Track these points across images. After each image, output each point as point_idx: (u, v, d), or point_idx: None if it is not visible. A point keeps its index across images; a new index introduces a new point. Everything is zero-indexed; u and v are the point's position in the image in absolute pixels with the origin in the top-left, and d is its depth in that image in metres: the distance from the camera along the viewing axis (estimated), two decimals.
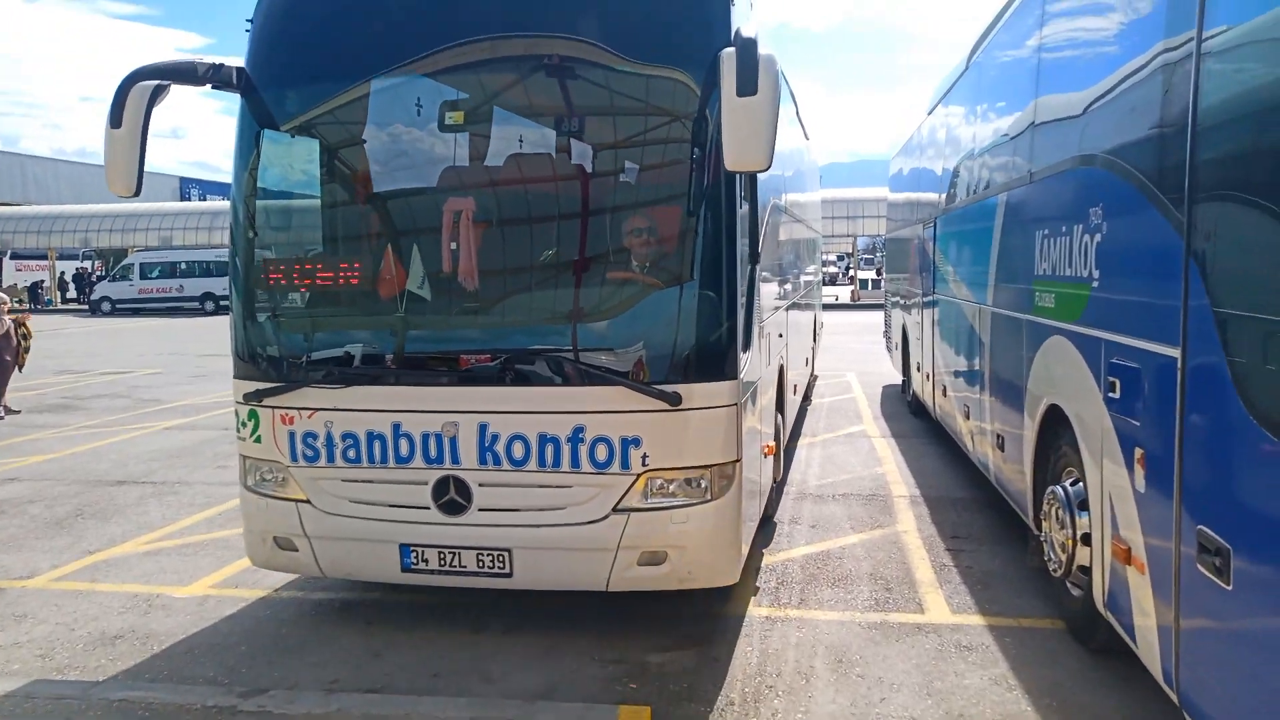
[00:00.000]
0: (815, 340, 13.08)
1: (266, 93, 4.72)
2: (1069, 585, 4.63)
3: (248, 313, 4.81)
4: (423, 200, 4.86)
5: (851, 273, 47.65)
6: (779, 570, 5.71)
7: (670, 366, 4.28)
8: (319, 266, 4.96)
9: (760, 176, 4.89)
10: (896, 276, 13.24)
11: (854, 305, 37.45)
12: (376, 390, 4.51)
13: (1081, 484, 4.44)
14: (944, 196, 8.60)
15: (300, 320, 4.90)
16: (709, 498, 4.34)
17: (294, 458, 4.61)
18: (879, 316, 16.35)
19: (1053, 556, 4.76)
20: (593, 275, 4.59)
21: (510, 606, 5.11)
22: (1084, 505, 4.40)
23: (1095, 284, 4.04)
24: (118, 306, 37.92)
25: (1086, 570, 4.34)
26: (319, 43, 4.78)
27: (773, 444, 5.99)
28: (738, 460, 4.43)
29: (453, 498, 4.41)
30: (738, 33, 3.90)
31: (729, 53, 3.81)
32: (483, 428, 4.34)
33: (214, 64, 4.61)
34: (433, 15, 4.63)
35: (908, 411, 11.43)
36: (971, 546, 6.11)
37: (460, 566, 4.47)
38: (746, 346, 4.57)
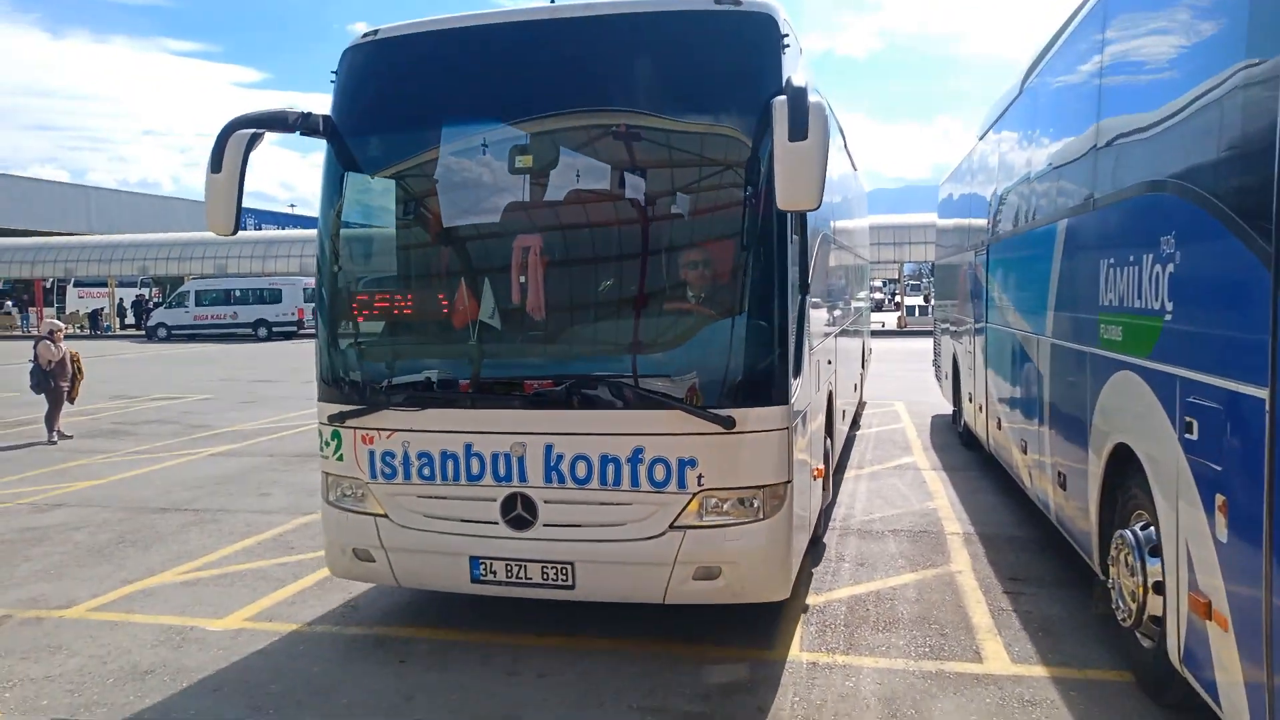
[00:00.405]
0: (864, 367, 13.15)
1: (349, 139, 5.07)
2: (1139, 636, 4.33)
3: (332, 340, 5.14)
4: (493, 238, 5.12)
5: (898, 299, 47.04)
6: (826, 611, 5.46)
7: (724, 392, 4.48)
8: (398, 298, 5.36)
9: None
10: (947, 304, 12.92)
11: (901, 331, 36.88)
12: (450, 413, 4.77)
13: (1153, 529, 4.17)
14: (997, 223, 8.34)
15: (381, 348, 5.27)
16: (761, 517, 4.51)
17: (373, 475, 4.89)
18: (926, 343, 15.99)
19: (1121, 604, 4.47)
20: (652, 307, 4.82)
21: (546, 649, 4.94)
22: (1156, 551, 4.12)
23: (1168, 317, 3.79)
24: (173, 333, 38.69)
25: (1159, 621, 4.05)
26: (396, 94, 5.14)
27: (822, 467, 6.13)
28: (789, 481, 4.61)
29: (520, 514, 4.65)
30: (789, 81, 4.16)
31: (781, 101, 4.05)
32: (548, 448, 4.58)
33: (303, 113, 4.98)
34: (502, 73, 4.93)
35: (959, 443, 11.08)
36: (1031, 589, 5.80)
37: (526, 578, 4.69)
38: (797, 373, 4.77)
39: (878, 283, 54.75)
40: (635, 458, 4.48)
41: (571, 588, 4.63)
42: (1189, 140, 3.66)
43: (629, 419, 4.51)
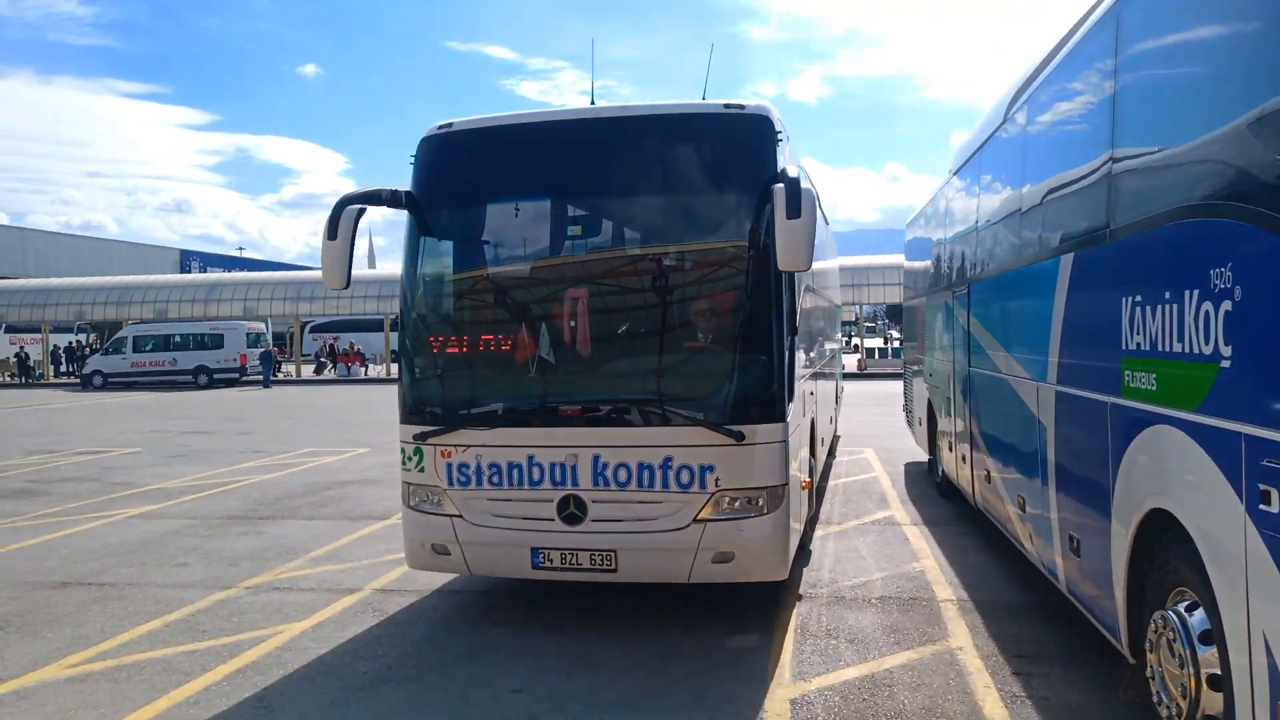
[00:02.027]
0: (837, 402, 14.40)
1: (427, 211, 6.18)
2: None
3: (414, 375, 6.25)
4: (548, 290, 6.28)
5: (855, 341, 46.91)
6: (817, 704, 4.76)
7: (735, 412, 5.58)
8: (469, 340, 6.29)
9: None
10: (919, 347, 12.42)
11: (861, 374, 36.62)
12: (516, 431, 5.83)
13: (1202, 610, 3.55)
14: (980, 260, 7.83)
15: (456, 380, 6.22)
16: (765, 512, 5.59)
17: (450, 483, 5.91)
18: (889, 386, 15.58)
19: (1164, 698, 3.85)
20: (676, 345, 5.96)
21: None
22: (1209, 639, 3.51)
23: (1226, 363, 3.21)
24: (110, 380, 37.14)
25: None
26: (465, 175, 6.27)
27: (809, 480, 7.26)
28: (786, 484, 5.69)
29: (572, 511, 5.68)
30: (784, 171, 5.39)
31: (779, 187, 5.16)
32: (596, 458, 5.65)
33: (394, 191, 6.13)
34: (552, 160, 6.17)
35: (937, 494, 10.50)
36: (1043, 669, 5.15)
37: (577, 564, 5.70)
38: (790, 399, 5.89)
39: None
40: (665, 465, 5.58)
41: (615, 571, 5.67)
42: (1251, 153, 3.09)
43: (660, 434, 5.62)
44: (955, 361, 8.98)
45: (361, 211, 5.91)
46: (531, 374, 6.03)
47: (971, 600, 6.48)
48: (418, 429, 5.97)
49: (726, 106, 5.87)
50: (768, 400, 5.64)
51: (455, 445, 5.86)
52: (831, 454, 13.29)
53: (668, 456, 5.54)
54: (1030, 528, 6.16)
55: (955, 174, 9.39)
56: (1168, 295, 3.69)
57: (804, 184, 5.15)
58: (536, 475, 5.70)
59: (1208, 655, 3.52)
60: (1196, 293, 3.42)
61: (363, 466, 13.92)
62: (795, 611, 6.28)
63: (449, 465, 5.87)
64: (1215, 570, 3.33)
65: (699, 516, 5.52)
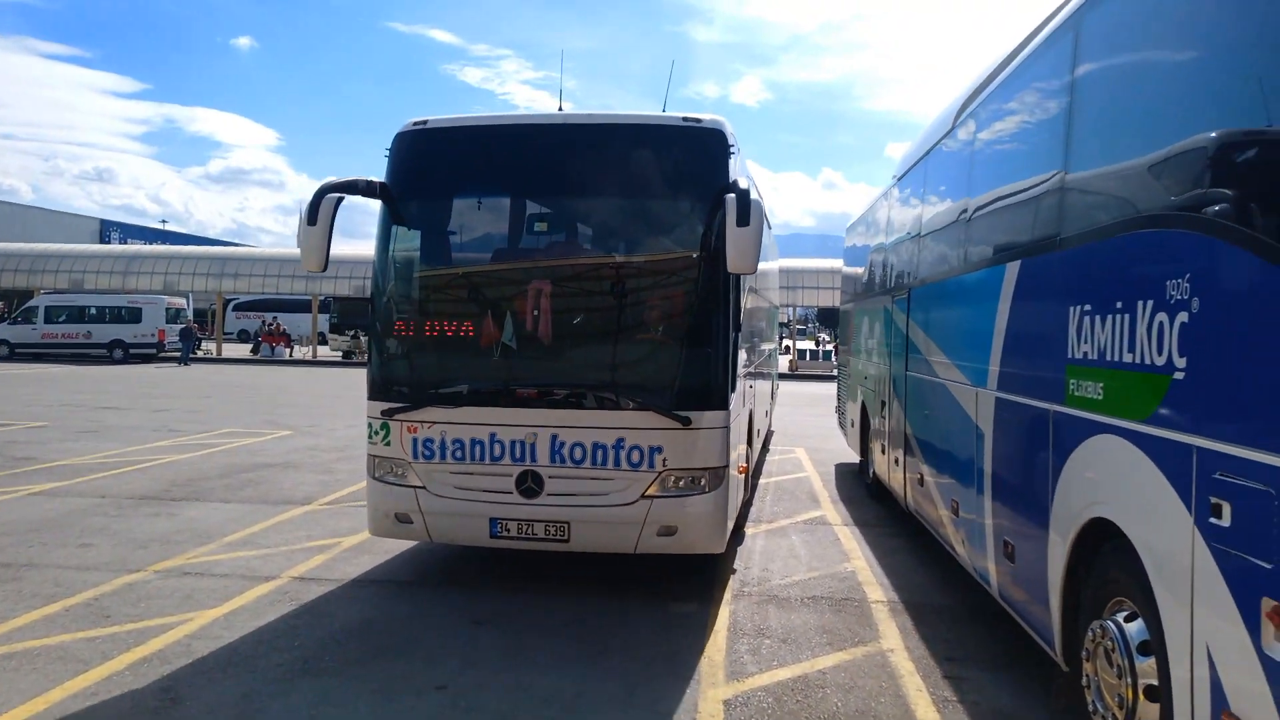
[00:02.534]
0: (773, 399, 15.17)
1: (399, 202, 6.54)
2: None
3: (383, 355, 6.62)
4: (514, 281, 6.66)
5: (787, 343, 47.38)
6: (749, 704, 4.68)
7: (683, 399, 6.06)
8: (437, 324, 6.60)
9: None
10: (855, 351, 12.50)
11: (793, 375, 37.00)
12: (480, 410, 6.21)
13: (1142, 621, 3.56)
14: (920, 266, 7.86)
15: (423, 361, 6.61)
16: (706, 490, 6.10)
17: (415, 456, 6.27)
18: (819, 388, 15.73)
19: (1099, 707, 3.85)
20: (631, 336, 6.44)
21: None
22: (1148, 649, 3.52)
23: (1180, 373, 3.20)
24: (16, 351, 35.43)
25: None
26: (436, 170, 6.68)
27: (745, 465, 7.93)
28: (726, 466, 6.24)
29: (530, 486, 6.10)
30: (735, 182, 5.88)
31: (731, 196, 5.65)
32: (554, 437, 6.07)
33: (369, 181, 6.45)
34: (521, 160, 6.66)
35: (868, 495, 10.58)
36: (974, 672, 5.16)
37: (532, 535, 6.11)
38: (733, 389, 6.42)
39: None
40: (618, 445, 6.03)
41: (567, 541, 6.10)
42: (1213, 163, 3.08)
43: (613, 417, 6.07)
44: (892, 366, 9.03)
45: (340, 199, 6.20)
46: (496, 358, 6.39)
47: (902, 602, 6.49)
48: (385, 405, 6.34)
49: (685, 119, 6.41)
50: (712, 389, 6.17)
51: (421, 421, 6.25)
52: (766, 448, 14.07)
53: (620, 438, 6.02)
54: (963, 532, 6.19)
55: (898, 180, 9.44)
56: (1119, 305, 3.69)
57: (753, 195, 5.66)
58: (498, 451, 6.13)
59: (1145, 666, 3.52)
60: (1150, 303, 3.41)
61: (283, 450, 13.47)
62: (729, 609, 6.21)
63: (414, 440, 6.26)
64: (1159, 582, 3.33)
65: (646, 493, 6.02)
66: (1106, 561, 3.89)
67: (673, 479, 6.02)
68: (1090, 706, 3.92)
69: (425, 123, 6.61)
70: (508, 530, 6.09)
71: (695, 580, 6.84)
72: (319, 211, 6.06)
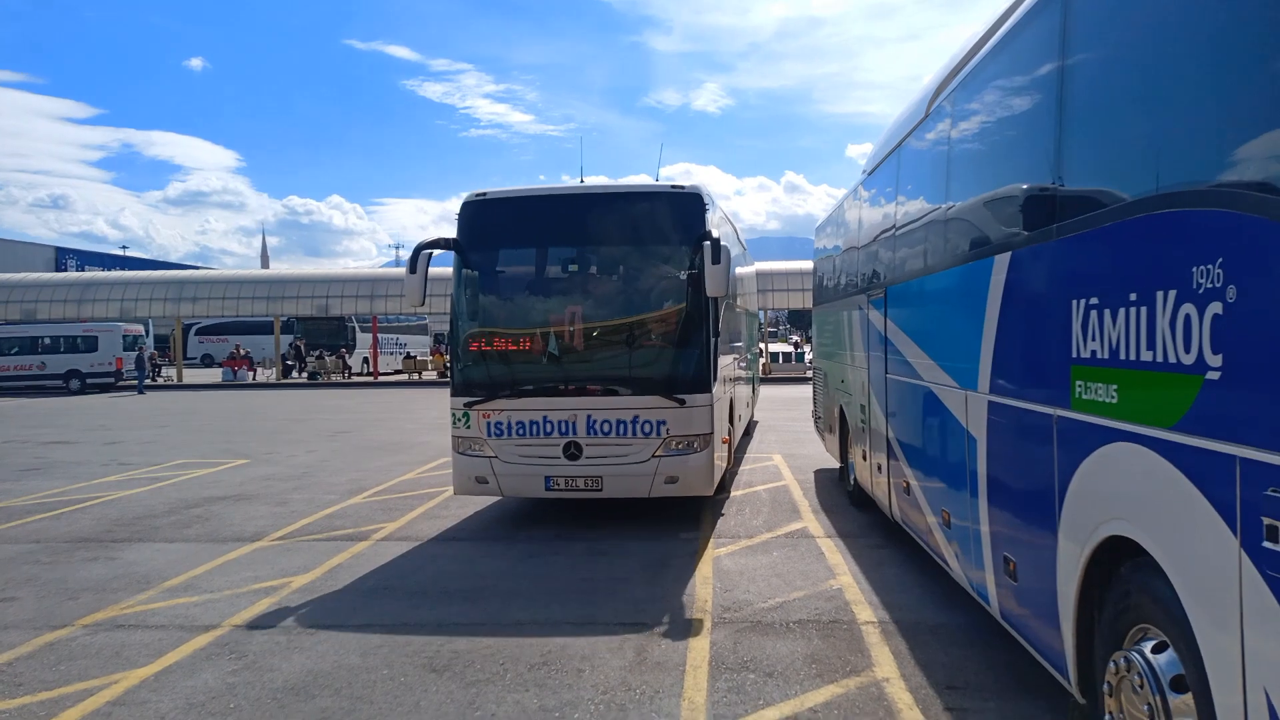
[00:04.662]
0: (754, 392, 18.11)
1: (469, 253, 9.15)
2: None
3: (462, 364, 9.08)
4: (554, 307, 9.25)
5: (761, 345, 46.99)
6: None
7: (679, 386, 8.63)
8: (499, 340, 9.10)
9: None
10: (830, 353, 12.09)
11: (767, 378, 36.64)
12: (534, 400, 8.73)
13: (1173, 652, 3.13)
14: (898, 263, 7.45)
15: (493, 367, 8.99)
16: (698, 450, 8.62)
17: (489, 434, 8.78)
18: (793, 390, 15.34)
19: None
20: (641, 344, 8.94)
21: None
22: (1180, 685, 3.09)
23: (1214, 373, 2.77)
24: None
25: None
26: (491, 228, 9.24)
27: (727, 437, 10.28)
28: (712, 433, 8.77)
29: (573, 452, 8.64)
30: (709, 232, 8.57)
31: (707, 244, 8.29)
32: (589, 417, 8.61)
33: (449, 239, 9.12)
34: (554, 220, 9.33)
35: (849, 503, 10.16)
36: (977, 703, 4.73)
37: (576, 487, 8.69)
38: (715, 379, 8.92)
39: None
40: (634, 421, 8.56)
41: (600, 491, 8.64)
42: (1247, 125, 2.66)
43: (630, 401, 8.58)
44: (871, 368, 8.61)
45: (431, 253, 8.87)
46: (544, 363, 8.96)
47: (894, 621, 6.05)
48: (466, 399, 8.87)
49: (673, 187, 9.09)
50: (699, 378, 8.72)
51: (493, 409, 8.76)
52: (749, 434, 16.84)
53: (635, 415, 8.57)
54: (955, 544, 5.76)
55: (868, 175, 9.04)
56: (1134, 297, 3.27)
57: (723, 243, 8.33)
58: (548, 429, 8.65)
59: (1180, 703, 3.09)
60: (1173, 294, 2.99)
61: (238, 480, 12.84)
62: (708, 641, 5.74)
63: (488, 423, 8.77)
64: (1197, 611, 2.90)
65: (656, 454, 8.54)
66: (1126, 584, 3.46)
67: (674, 443, 8.53)
68: None
69: (485, 194, 9.21)
70: (558, 484, 8.67)
71: (677, 577, 6.36)
72: (417, 262, 8.69)
